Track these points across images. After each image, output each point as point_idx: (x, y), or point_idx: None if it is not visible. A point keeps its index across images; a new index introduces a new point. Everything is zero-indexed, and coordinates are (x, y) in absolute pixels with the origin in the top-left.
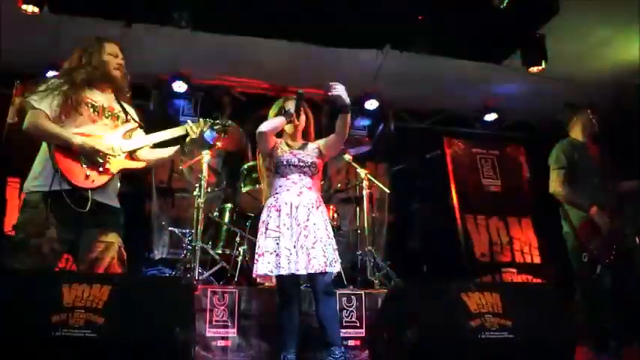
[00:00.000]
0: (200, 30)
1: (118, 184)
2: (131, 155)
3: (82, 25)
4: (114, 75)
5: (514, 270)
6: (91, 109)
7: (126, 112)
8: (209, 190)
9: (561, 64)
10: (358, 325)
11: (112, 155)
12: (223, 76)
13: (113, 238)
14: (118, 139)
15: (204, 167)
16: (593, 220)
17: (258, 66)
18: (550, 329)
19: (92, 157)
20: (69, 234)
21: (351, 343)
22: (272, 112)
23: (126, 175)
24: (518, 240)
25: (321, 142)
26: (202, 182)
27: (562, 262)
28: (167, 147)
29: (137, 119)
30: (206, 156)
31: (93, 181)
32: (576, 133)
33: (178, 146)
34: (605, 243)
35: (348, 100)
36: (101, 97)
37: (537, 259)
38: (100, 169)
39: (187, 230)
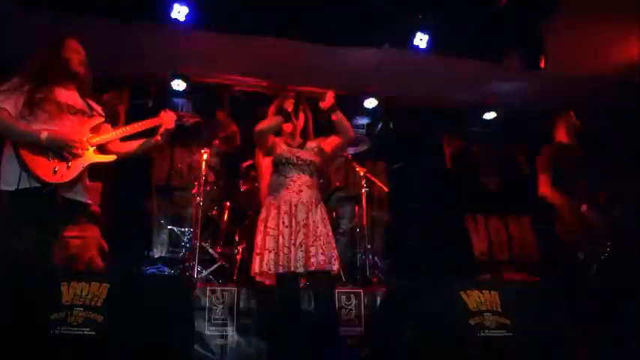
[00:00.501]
0: (199, 28)
1: (87, 180)
2: (101, 149)
3: (80, 23)
4: (77, 71)
5: (513, 268)
6: (56, 106)
7: (91, 108)
8: (208, 188)
9: (561, 63)
10: (357, 323)
11: (80, 149)
12: (222, 74)
13: (90, 232)
14: (85, 133)
15: (203, 166)
16: (585, 219)
17: (258, 64)
18: (548, 327)
19: (59, 151)
20: (39, 235)
21: (350, 341)
22: (271, 111)
23: (124, 174)
24: (517, 238)
25: (323, 140)
26: (201, 181)
27: (560, 260)
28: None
29: (102, 114)
30: (205, 154)
31: (62, 175)
32: (561, 135)
33: (152, 137)
34: (599, 241)
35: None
36: (65, 94)
37: (536, 258)
38: (69, 163)
39: (186, 229)
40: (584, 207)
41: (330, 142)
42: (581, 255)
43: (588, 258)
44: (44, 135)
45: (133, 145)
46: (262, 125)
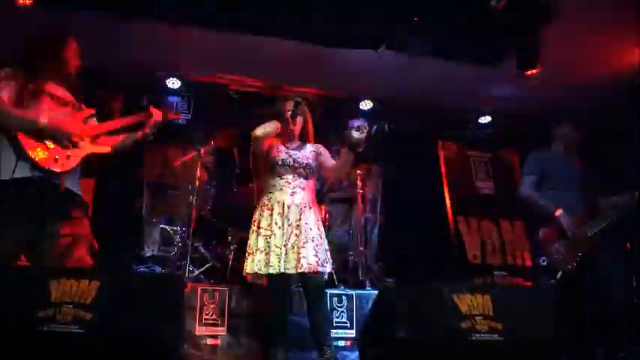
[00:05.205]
0: (195, 27)
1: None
2: (94, 140)
3: (76, 20)
4: (72, 73)
5: (505, 272)
6: (49, 98)
7: (80, 102)
8: (201, 187)
9: (557, 69)
10: (349, 325)
11: (78, 138)
12: (217, 73)
13: (81, 230)
14: (77, 125)
15: (197, 165)
16: (557, 224)
17: (253, 64)
18: (540, 332)
19: (60, 139)
20: (28, 231)
21: (341, 343)
22: (270, 113)
23: (116, 171)
24: (510, 243)
25: (322, 150)
26: (195, 180)
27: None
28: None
29: (90, 108)
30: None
31: (63, 164)
32: (557, 144)
33: (141, 131)
34: (569, 248)
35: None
36: (57, 88)
37: (528, 262)
38: (68, 153)
39: (179, 228)
40: (558, 211)
41: (328, 165)
42: (543, 260)
43: (553, 264)
44: (44, 122)
45: (126, 139)
46: (258, 131)
